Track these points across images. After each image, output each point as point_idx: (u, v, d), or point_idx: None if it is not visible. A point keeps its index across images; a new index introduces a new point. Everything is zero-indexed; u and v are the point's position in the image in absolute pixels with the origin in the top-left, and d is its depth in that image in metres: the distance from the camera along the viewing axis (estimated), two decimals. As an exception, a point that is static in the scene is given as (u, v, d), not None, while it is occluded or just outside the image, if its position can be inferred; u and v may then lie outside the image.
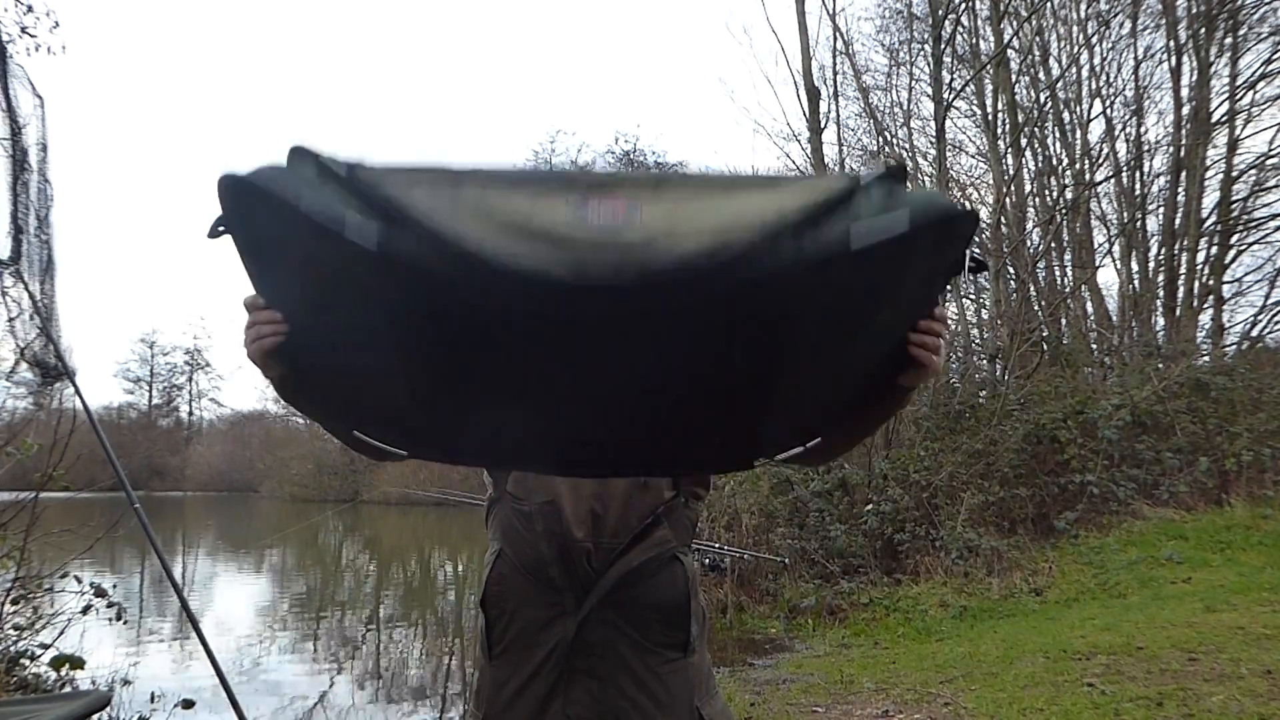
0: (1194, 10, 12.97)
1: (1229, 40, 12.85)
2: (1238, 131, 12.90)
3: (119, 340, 76.85)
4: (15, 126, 3.58)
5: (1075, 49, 14.92)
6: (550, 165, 16.88)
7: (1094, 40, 14.59)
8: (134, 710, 4.56)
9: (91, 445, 3.66)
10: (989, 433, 8.90)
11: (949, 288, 1.12)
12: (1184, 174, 13.00)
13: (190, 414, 56.84)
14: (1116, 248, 14.34)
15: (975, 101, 14.91)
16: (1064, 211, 13.70)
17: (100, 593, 4.58)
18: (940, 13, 12.58)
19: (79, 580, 4.59)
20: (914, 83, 15.68)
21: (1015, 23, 13.53)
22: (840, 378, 1.04)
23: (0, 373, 3.69)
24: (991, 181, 14.20)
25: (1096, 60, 14.61)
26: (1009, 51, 13.41)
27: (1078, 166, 14.70)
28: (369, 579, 13.80)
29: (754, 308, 0.87)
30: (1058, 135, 15.04)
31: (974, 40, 14.70)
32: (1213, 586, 6.06)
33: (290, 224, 0.87)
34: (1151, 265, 13.69)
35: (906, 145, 15.68)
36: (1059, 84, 14.58)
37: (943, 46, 12.65)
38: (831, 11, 19.55)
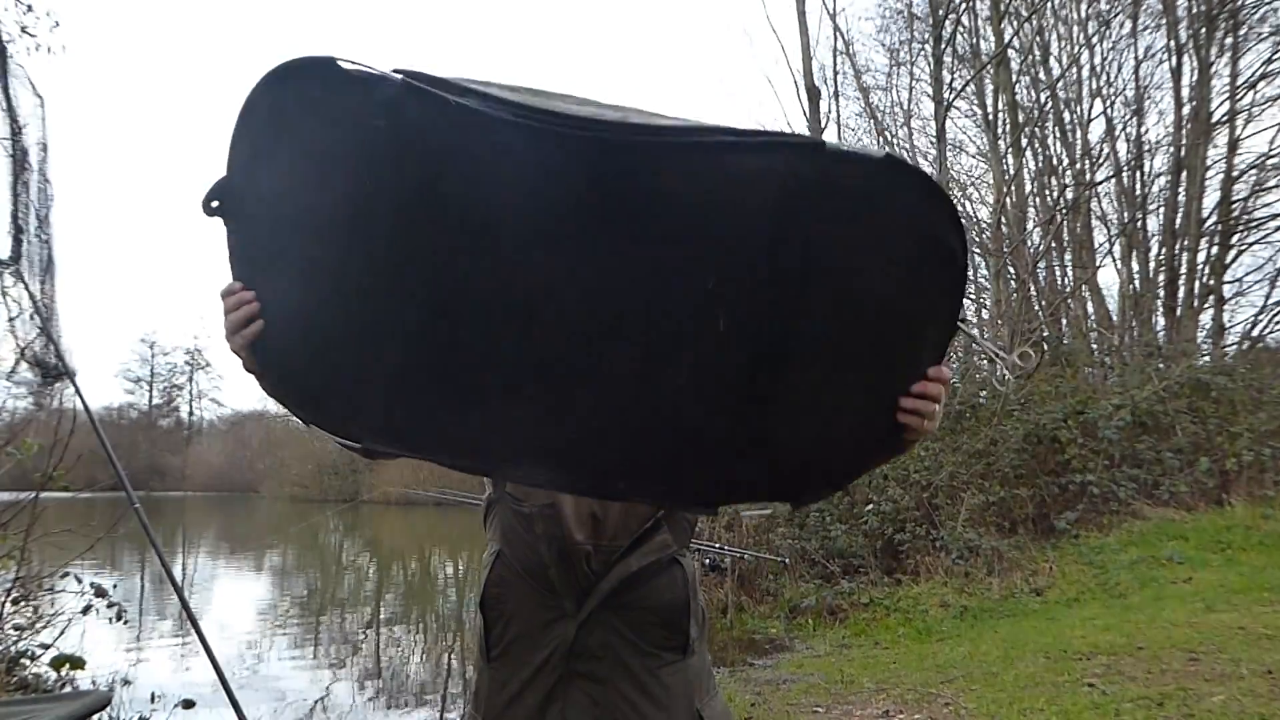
0: (1194, 10, 12.96)
1: (1229, 40, 12.84)
2: (1238, 131, 12.91)
3: (119, 340, 76.98)
4: (15, 126, 3.59)
5: (1075, 49, 14.94)
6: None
7: (1094, 40, 14.61)
8: (134, 710, 4.57)
9: (92, 445, 3.66)
10: (989, 433, 8.89)
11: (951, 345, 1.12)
12: (1184, 174, 12.99)
13: (190, 414, 57.03)
14: (1117, 248, 14.35)
15: (975, 101, 14.93)
16: (1064, 211, 13.70)
17: (100, 593, 4.59)
18: (940, 13, 12.59)
19: (79, 580, 4.60)
20: (914, 83, 15.74)
21: (1015, 23, 13.53)
22: (838, 390, 1.00)
23: (0, 373, 3.69)
24: (992, 181, 14.22)
25: (1097, 60, 14.64)
26: (1009, 51, 13.42)
27: (1078, 166, 14.70)
28: (369, 579, 13.81)
29: (747, 194, 0.94)
30: (1058, 135, 15.06)
31: (974, 40, 14.71)
32: (1213, 586, 6.05)
33: (329, 86, 0.94)
34: (1152, 265, 13.69)
35: (907, 145, 15.71)
36: (1059, 84, 14.60)
37: (943, 46, 12.66)
38: (832, 11, 19.69)
